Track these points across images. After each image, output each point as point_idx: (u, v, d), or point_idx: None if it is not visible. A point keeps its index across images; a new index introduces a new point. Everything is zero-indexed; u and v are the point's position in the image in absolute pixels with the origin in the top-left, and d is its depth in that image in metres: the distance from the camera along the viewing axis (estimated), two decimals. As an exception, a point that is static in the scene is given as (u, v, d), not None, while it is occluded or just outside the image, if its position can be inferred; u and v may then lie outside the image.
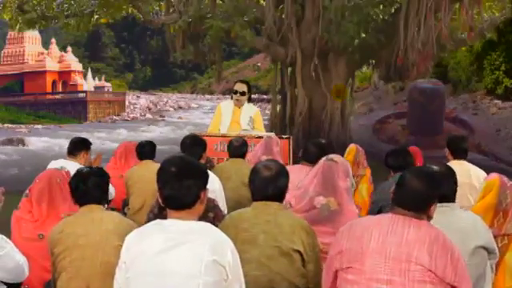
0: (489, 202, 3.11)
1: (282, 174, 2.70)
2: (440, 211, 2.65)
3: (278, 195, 2.68)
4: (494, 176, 3.21)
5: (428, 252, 2.09)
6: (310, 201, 3.12)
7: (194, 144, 3.98)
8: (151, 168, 4.05)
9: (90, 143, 4.57)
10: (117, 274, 2.16)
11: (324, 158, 3.30)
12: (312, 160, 3.74)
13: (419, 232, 2.13)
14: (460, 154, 4.22)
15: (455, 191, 2.76)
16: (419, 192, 2.20)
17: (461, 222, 2.65)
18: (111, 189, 4.49)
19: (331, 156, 3.35)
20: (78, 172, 2.90)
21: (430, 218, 2.25)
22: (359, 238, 2.16)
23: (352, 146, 5.14)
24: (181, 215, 2.12)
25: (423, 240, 2.11)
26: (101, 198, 2.84)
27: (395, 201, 2.24)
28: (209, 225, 2.17)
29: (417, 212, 2.19)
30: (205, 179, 2.19)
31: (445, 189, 2.67)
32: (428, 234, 2.13)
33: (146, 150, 4.78)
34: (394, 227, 2.15)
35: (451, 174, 2.78)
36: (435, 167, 2.75)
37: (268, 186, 2.65)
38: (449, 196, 2.70)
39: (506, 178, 3.22)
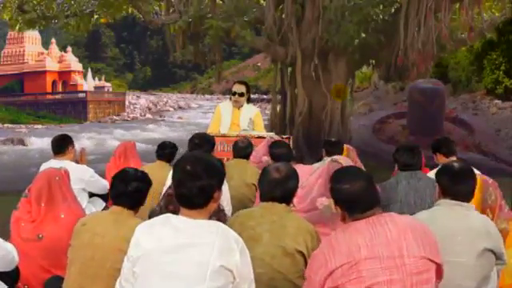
0: (474, 201, 3.14)
1: (291, 177, 2.72)
2: (453, 208, 2.69)
3: (286, 197, 2.70)
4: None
5: (414, 240, 2.13)
6: (312, 201, 3.13)
7: (203, 142, 3.99)
8: (164, 170, 4.06)
9: (71, 138, 4.57)
10: (124, 262, 2.16)
11: (329, 159, 3.33)
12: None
13: (397, 225, 2.16)
14: (452, 152, 4.24)
15: (473, 191, 2.77)
16: (362, 190, 2.22)
17: (473, 222, 2.68)
18: (104, 182, 4.51)
19: (336, 157, 3.39)
20: (124, 171, 2.86)
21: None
22: (348, 253, 2.13)
23: (343, 146, 5.17)
24: (191, 214, 2.11)
25: (405, 231, 2.15)
26: (135, 203, 2.79)
27: (351, 209, 2.22)
28: (218, 224, 2.14)
29: (373, 207, 2.21)
30: (220, 178, 2.17)
31: (462, 187, 2.71)
32: (406, 224, 2.18)
33: (166, 153, 4.70)
34: (374, 229, 2.15)
35: (471, 173, 2.79)
36: (457, 164, 2.78)
37: (276, 188, 2.67)
38: (465, 194, 2.72)
39: (487, 177, 3.30)
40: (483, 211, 3.12)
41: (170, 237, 2.06)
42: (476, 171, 3.26)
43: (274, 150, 4.27)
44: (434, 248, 2.18)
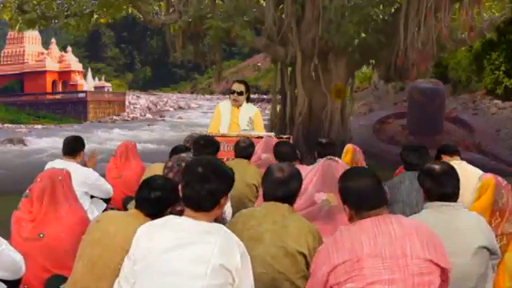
0: (485, 202, 3.12)
1: (294, 177, 2.72)
2: (441, 210, 2.67)
3: (288, 197, 2.70)
4: (489, 176, 3.23)
5: (419, 242, 2.13)
6: (310, 197, 3.15)
7: (208, 145, 4.01)
8: None
9: (84, 141, 4.56)
10: (125, 261, 2.18)
11: (324, 158, 3.35)
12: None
13: (403, 226, 2.16)
14: (455, 152, 4.24)
15: (458, 190, 2.74)
16: (370, 188, 2.23)
17: (463, 221, 2.66)
18: (108, 186, 4.50)
19: (331, 156, 3.42)
20: (153, 178, 2.79)
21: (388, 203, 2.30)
22: (350, 249, 2.15)
23: (349, 146, 5.15)
24: (196, 216, 2.12)
25: (410, 232, 2.15)
26: (155, 212, 2.68)
27: (358, 207, 2.23)
28: (220, 226, 2.15)
29: (380, 206, 2.22)
30: (229, 184, 2.19)
31: (447, 188, 2.69)
32: (412, 226, 2.18)
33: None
34: (379, 228, 2.16)
35: (453, 173, 2.76)
36: (437, 165, 2.76)
37: (278, 187, 2.68)
38: (451, 195, 2.70)
39: (500, 178, 3.24)
40: (492, 213, 3.09)
41: (171, 236, 2.07)
42: (490, 174, 3.24)
43: (279, 148, 4.28)
44: (440, 251, 2.17)
